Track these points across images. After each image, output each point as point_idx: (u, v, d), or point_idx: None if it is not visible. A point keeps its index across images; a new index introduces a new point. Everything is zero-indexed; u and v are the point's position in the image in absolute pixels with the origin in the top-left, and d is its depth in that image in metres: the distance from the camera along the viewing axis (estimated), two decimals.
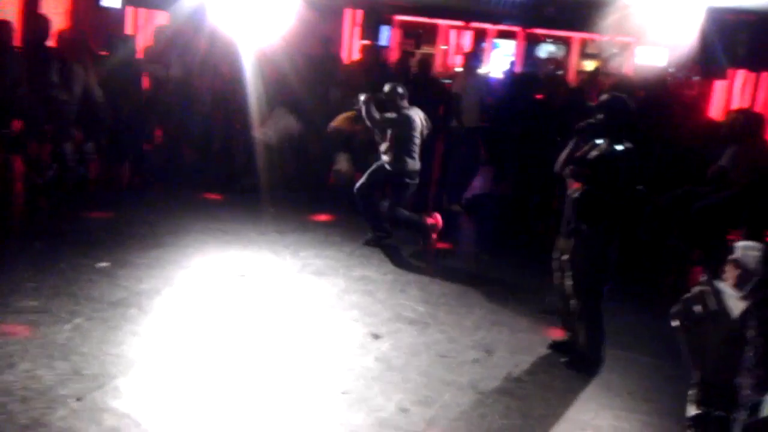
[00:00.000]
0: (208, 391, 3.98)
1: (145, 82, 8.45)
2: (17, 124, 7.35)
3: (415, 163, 6.81)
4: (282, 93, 8.37)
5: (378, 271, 6.20)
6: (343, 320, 5.11)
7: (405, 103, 6.80)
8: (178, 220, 6.92)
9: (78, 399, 3.72)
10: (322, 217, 7.77)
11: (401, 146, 6.72)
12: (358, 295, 5.61)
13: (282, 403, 3.92)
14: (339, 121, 7.67)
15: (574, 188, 4.66)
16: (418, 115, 6.85)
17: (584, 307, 4.64)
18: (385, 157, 6.79)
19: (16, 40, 7.70)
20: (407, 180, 6.82)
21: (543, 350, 4.96)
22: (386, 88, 6.80)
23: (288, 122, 8.43)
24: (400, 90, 6.76)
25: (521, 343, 5.06)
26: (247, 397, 3.95)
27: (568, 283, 4.70)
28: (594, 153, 4.57)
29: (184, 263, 5.84)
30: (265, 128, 8.27)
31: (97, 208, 7.10)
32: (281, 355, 4.50)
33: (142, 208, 7.28)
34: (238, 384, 4.08)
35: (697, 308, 3.79)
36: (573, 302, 4.69)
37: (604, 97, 4.79)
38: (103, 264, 5.57)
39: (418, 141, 6.80)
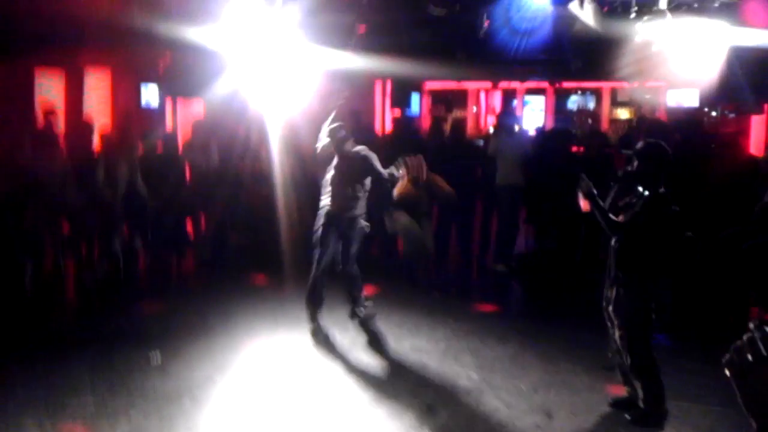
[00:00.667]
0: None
1: (188, 173, 8.68)
2: (66, 226, 7.60)
3: None
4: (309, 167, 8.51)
5: (429, 340, 6.13)
6: (398, 392, 5.04)
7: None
8: (226, 305, 6.97)
9: None
10: (369, 290, 7.75)
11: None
12: (410, 367, 5.54)
13: None
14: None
15: (618, 238, 4.60)
16: None
17: (634, 359, 4.50)
18: (359, 210, 6.34)
19: (62, 146, 8.05)
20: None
21: (605, 409, 4.80)
22: (330, 131, 6.39)
23: None
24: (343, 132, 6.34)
25: (582, 404, 4.92)
26: None
27: (616, 335, 4.58)
28: (632, 200, 4.52)
29: (235, 349, 5.86)
30: None
31: (146, 301, 7.21)
32: (333, 428, 4.44)
33: (191, 296, 7.37)
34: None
35: (749, 355, 3.64)
36: (625, 355, 4.56)
37: (639, 144, 4.76)
38: (155, 355, 5.61)
39: None
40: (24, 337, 6.13)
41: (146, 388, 5.04)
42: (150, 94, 11.59)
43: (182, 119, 11.77)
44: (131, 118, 10.25)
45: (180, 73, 11.01)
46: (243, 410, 4.77)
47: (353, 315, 6.52)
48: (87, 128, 8.58)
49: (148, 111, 11.52)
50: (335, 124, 6.43)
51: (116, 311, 6.87)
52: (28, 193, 7.21)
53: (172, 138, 8.81)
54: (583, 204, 4.62)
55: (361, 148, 6.37)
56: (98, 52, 10.20)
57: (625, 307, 4.50)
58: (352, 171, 6.27)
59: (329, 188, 6.33)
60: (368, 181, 6.37)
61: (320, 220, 6.32)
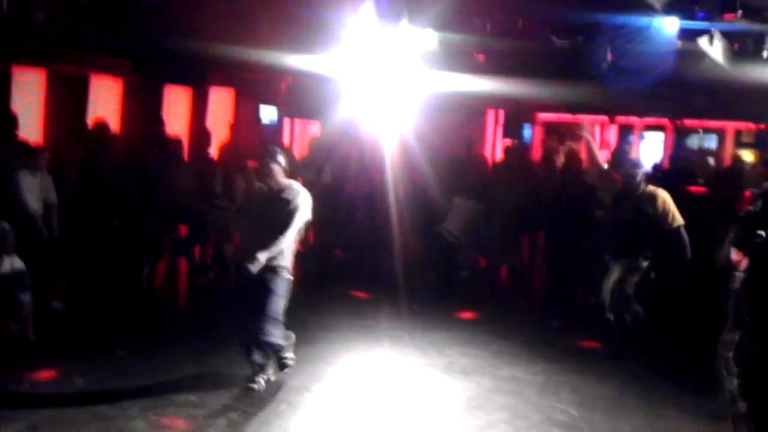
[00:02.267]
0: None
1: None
2: (184, 230, 7.98)
3: None
4: (424, 192, 8.59)
5: (528, 371, 6.00)
6: (491, 422, 4.96)
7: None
8: (326, 317, 7.09)
9: None
10: (467, 314, 7.70)
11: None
12: (506, 396, 5.44)
13: None
14: None
15: (738, 278, 4.39)
16: None
17: (753, 408, 4.25)
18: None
19: (185, 153, 8.48)
20: None
21: None
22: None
23: (470, 207, 8.62)
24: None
25: None
26: None
27: (736, 382, 4.34)
28: (756, 242, 4.31)
29: (332, 360, 5.95)
30: (446, 224, 8.51)
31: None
32: None
33: (294, 306, 7.51)
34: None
35: None
36: (740, 403, 4.31)
37: (765, 185, 4.58)
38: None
39: None
40: (136, 331, 6.46)
41: (246, 391, 5.18)
42: (269, 114, 12.08)
43: (299, 139, 12.17)
44: (250, 129, 10.69)
45: (299, 95, 11.40)
46: (334, 420, 4.82)
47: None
48: (207, 136, 9.02)
49: (267, 128, 11.99)
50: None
51: (223, 315, 7.12)
52: (152, 198, 7.63)
53: (286, 152, 9.09)
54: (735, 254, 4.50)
55: None
56: (223, 73, 10.72)
57: (747, 352, 4.27)
58: None
59: None
60: None
61: None
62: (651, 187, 6.39)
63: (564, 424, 4.99)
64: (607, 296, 6.48)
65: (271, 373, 5.26)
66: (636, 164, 6.61)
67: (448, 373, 5.88)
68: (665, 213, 6.26)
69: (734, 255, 4.51)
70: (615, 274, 6.41)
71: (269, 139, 11.37)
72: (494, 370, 5.97)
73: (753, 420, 4.26)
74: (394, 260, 8.29)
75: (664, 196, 6.32)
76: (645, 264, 6.36)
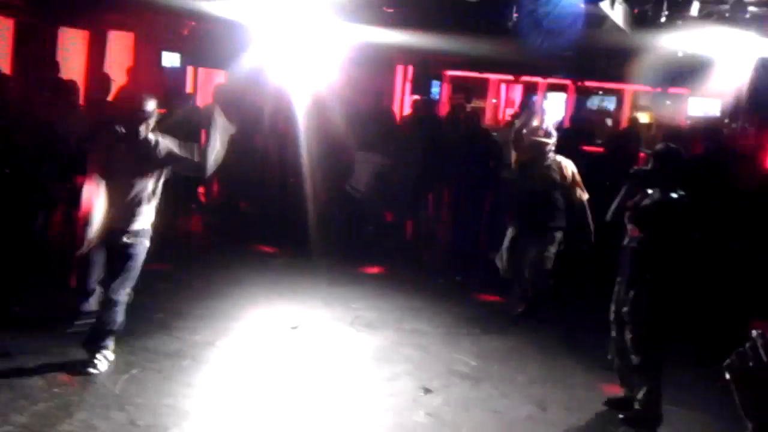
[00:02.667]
0: None
1: (203, 138, 8.70)
2: (81, 179, 7.64)
3: None
4: (334, 146, 8.54)
5: (430, 324, 6.16)
6: (395, 373, 5.08)
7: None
8: (232, 272, 7.02)
9: None
10: (373, 269, 7.79)
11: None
12: (410, 349, 5.58)
13: None
14: None
15: (632, 237, 4.61)
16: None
17: (645, 361, 4.52)
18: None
19: (81, 99, 8.09)
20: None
21: (599, 407, 4.83)
22: None
23: (372, 161, 8.62)
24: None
25: (577, 400, 4.95)
26: None
27: (628, 336, 4.60)
28: (648, 201, 4.53)
29: (238, 315, 5.91)
30: (351, 179, 8.48)
31: (155, 260, 7.24)
32: (330, 407, 4.49)
33: (199, 260, 7.41)
34: None
35: (751, 362, 3.65)
36: (633, 357, 4.57)
37: (659, 146, 4.80)
38: (159, 315, 5.67)
39: None
40: (26, 283, 6.17)
41: (148, 345, 5.10)
42: (172, 60, 11.65)
43: (203, 87, 11.82)
44: (150, 74, 10.30)
45: (203, 42, 11.04)
46: (240, 375, 4.82)
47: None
48: (105, 81, 8.63)
49: (169, 75, 11.57)
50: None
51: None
52: (46, 146, 7.26)
53: (190, 100, 8.83)
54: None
55: None
56: (122, 16, 10.25)
57: (640, 307, 4.51)
58: None
59: None
60: None
61: None
62: (559, 157, 6.36)
63: (464, 375, 5.17)
64: (505, 263, 6.50)
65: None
66: (548, 133, 6.40)
67: (354, 326, 5.96)
68: (574, 184, 6.30)
69: (627, 222, 4.68)
70: (530, 251, 6.35)
71: (171, 85, 10.98)
72: (398, 324, 6.09)
73: (643, 371, 4.53)
74: (302, 214, 8.25)
75: (572, 166, 6.34)
76: (560, 236, 6.38)
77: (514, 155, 6.57)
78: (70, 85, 8.01)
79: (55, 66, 8.91)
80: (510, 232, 6.53)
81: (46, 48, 9.87)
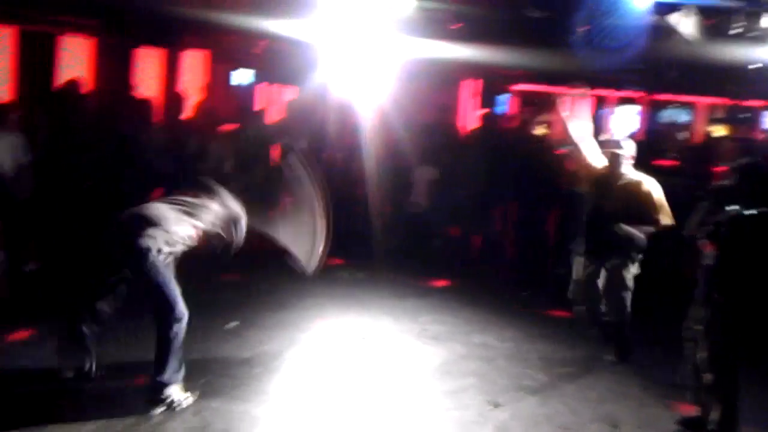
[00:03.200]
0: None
1: (274, 153, 8.90)
2: (158, 193, 7.90)
3: None
4: (398, 160, 8.62)
5: (498, 338, 6.13)
6: (462, 387, 5.06)
7: None
8: (300, 283, 7.10)
9: None
10: (440, 283, 7.79)
11: None
12: (477, 362, 5.56)
13: None
14: None
15: (708, 253, 4.49)
16: None
17: (719, 381, 4.39)
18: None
19: (156, 116, 8.40)
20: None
21: (672, 426, 4.71)
22: None
23: (429, 175, 8.70)
24: None
25: (649, 418, 4.84)
26: None
27: (703, 354, 4.48)
28: (727, 216, 4.41)
29: (306, 326, 6.01)
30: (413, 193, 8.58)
31: (227, 271, 7.43)
32: (396, 419, 4.51)
33: (268, 271, 7.55)
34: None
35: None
36: (707, 376, 4.45)
37: (742, 160, 4.66)
38: (232, 325, 5.82)
39: None
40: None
41: (222, 353, 5.24)
42: (243, 78, 11.96)
43: (274, 104, 12.07)
44: (222, 92, 10.60)
45: (275, 60, 11.30)
46: (309, 383, 4.91)
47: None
48: (180, 105, 8.93)
49: (240, 92, 11.88)
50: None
51: (199, 278, 7.10)
52: (123, 162, 7.55)
53: (260, 116, 9.06)
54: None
55: None
56: (197, 36, 10.57)
57: (715, 325, 4.39)
58: None
59: None
60: None
61: None
62: (639, 174, 5.61)
63: (533, 390, 5.12)
64: (578, 295, 5.82)
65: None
66: (618, 144, 5.71)
67: (420, 339, 5.97)
68: (654, 207, 5.52)
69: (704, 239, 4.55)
70: (601, 277, 5.69)
71: (243, 103, 11.27)
72: (465, 337, 6.08)
73: (718, 390, 4.40)
74: (369, 228, 8.33)
75: (653, 186, 5.58)
76: (640, 257, 5.65)
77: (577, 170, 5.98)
78: (145, 103, 8.34)
79: (130, 85, 9.25)
80: (579, 261, 5.82)
81: (124, 66, 10.27)
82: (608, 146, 5.76)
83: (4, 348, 5.02)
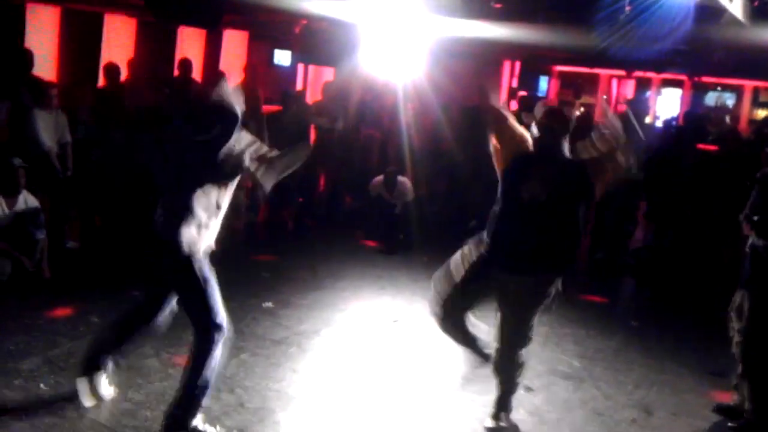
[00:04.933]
0: (360, 429, 4.08)
1: (312, 134, 8.95)
2: None
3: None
4: (435, 142, 8.59)
5: None
6: None
7: None
8: (336, 264, 7.20)
9: (241, 431, 3.94)
10: None
11: None
12: None
13: None
14: None
15: (753, 239, 4.42)
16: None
17: (752, 369, 4.33)
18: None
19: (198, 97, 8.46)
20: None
21: (708, 413, 4.66)
22: None
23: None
24: None
25: (684, 405, 4.80)
26: None
27: (737, 340, 4.42)
28: None
29: (342, 306, 6.07)
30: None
31: (263, 251, 7.53)
32: (431, 401, 4.54)
33: (304, 251, 7.64)
34: (388, 424, 4.15)
35: None
36: (739, 364, 4.40)
37: None
38: (268, 304, 5.91)
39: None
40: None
41: (257, 332, 5.32)
42: (283, 58, 11.99)
43: (312, 84, 12.11)
44: (263, 72, 10.64)
45: (313, 40, 11.29)
46: (343, 363, 4.96)
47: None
48: (220, 78, 8.97)
49: (280, 72, 11.93)
50: None
51: (234, 259, 7.22)
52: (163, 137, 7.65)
53: (300, 97, 9.08)
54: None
55: None
56: (238, 15, 10.62)
57: (752, 313, 4.32)
58: None
59: None
60: None
61: None
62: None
63: (567, 375, 5.11)
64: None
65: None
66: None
67: None
68: None
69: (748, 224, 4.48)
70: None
71: (283, 82, 11.33)
72: None
73: (751, 379, 4.35)
74: (405, 210, 8.34)
75: None
76: None
77: None
78: (188, 82, 8.42)
79: (171, 65, 9.34)
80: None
81: (166, 46, 10.38)
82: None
83: (43, 325, 5.15)
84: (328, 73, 11.56)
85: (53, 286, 5.88)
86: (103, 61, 8.98)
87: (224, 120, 3.73)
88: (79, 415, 3.92)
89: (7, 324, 4.96)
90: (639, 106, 9.55)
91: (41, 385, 4.21)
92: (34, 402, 4.01)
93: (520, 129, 4.13)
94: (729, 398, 4.67)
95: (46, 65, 8.58)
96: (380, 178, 8.34)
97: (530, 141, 4.00)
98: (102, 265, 6.61)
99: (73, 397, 4.06)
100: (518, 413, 4.44)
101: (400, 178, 8.28)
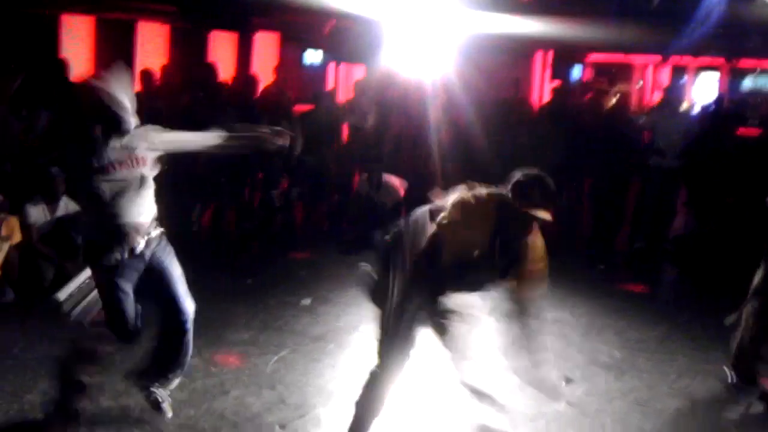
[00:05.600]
0: (401, 423, 4.09)
1: (345, 132, 8.98)
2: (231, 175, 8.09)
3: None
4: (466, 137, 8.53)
5: (572, 314, 6.05)
6: (535, 363, 5.02)
7: None
8: (373, 261, 7.18)
9: (282, 426, 3.98)
10: None
11: None
12: (550, 338, 5.49)
13: None
14: None
15: None
16: None
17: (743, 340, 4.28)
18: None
19: (231, 99, 8.56)
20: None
21: (755, 401, 4.57)
22: None
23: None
24: None
25: (729, 393, 4.70)
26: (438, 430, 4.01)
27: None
28: None
29: None
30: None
31: (300, 249, 7.58)
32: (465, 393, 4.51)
33: (337, 249, 7.66)
34: (426, 418, 4.15)
35: None
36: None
37: None
38: (306, 301, 5.94)
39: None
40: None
41: (296, 329, 5.36)
42: (313, 58, 12.07)
43: (344, 83, 12.15)
44: (294, 72, 10.71)
45: (343, 39, 11.34)
46: None
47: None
48: (253, 87, 9.07)
49: (311, 72, 12.01)
50: None
51: (272, 257, 7.32)
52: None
53: (331, 96, 9.11)
54: None
55: None
56: (268, 17, 10.72)
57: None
58: None
59: None
60: None
61: None
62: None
63: (608, 366, 5.05)
64: None
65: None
66: None
67: (492, 315, 5.93)
68: None
69: None
70: None
71: (314, 83, 11.39)
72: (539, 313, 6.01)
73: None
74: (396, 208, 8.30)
75: None
76: None
77: None
78: (219, 85, 8.51)
79: (210, 68, 9.43)
80: None
81: (198, 50, 10.52)
82: None
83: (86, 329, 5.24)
84: (359, 72, 11.58)
85: None
86: (137, 68, 9.12)
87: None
88: (123, 414, 3.99)
89: (49, 328, 5.06)
90: (675, 93, 9.38)
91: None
92: (78, 401, 4.06)
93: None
94: None
95: (81, 74, 8.74)
96: (365, 176, 8.15)
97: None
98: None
99: (117, 396, 4.13)
100: (559, 404, 4.40)
101: (386, 176, 8.18)
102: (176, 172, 7.19)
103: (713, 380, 4.90)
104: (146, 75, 8.37)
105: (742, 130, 8.47)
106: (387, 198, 8.13)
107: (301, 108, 8.71)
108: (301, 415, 4.10)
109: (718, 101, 11.12)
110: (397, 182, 8.19)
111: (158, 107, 7.87)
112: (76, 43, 9.25)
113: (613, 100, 9.61)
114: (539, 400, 4.42)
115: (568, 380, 4.75)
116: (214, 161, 7.69)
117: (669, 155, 8.04)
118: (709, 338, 5.63)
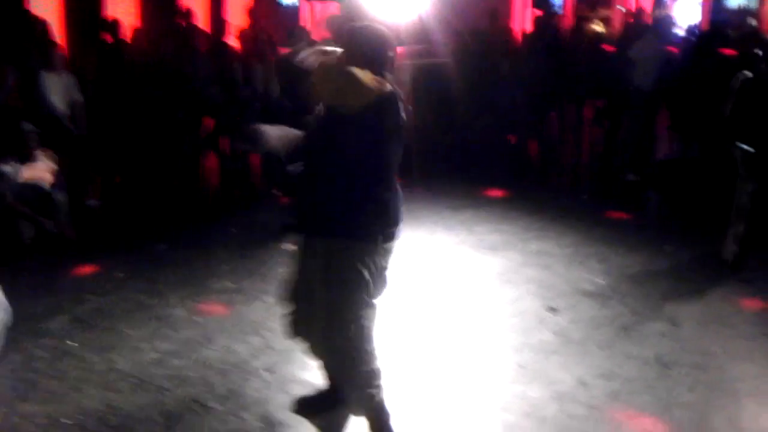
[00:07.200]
0: (386, 362, 4.10)
1: None
2: (209, 122, 7.97)
3: None
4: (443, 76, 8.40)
5: (556, 245, 6.06)
6: (520, 294, 5.05)
7: None
8: None
9: (270, 371, 3.99)
10: (496, 192, 7.71)
11: None
12: (535, 269, 5.52)
13: (459, 377, 3.95)
14: None
15: None
16: None
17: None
18: None
19: (203, 44, 8.37)
20: None
21: (738, 322, 4.62)
22: None
23: None
24: None
25: (713, 315, 4.75)
26: (425, 368, 4.03)
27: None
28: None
29: None
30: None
31: (285, 194, 7.51)
32: (457, 328, 4.54)
33: None
34: (417, 356, 4.17)
35: None
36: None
37: None
38: (288, 246, 5.90)
39: None
40: (169, 223, 6.63)
41: (280, 274, 5.32)
42: None
43: (318, 19, 11.87)
44: (268, 13, 10.45)
45: None
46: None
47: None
48: (225, 24, 8.86)
49: (286, 12, 11.72)
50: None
51: (254, 202, 7.26)
52: (174, 91, 7.60)
53: (307, 35, 8.89)
54: None
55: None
56: None
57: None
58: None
59: None
60: None
61: None
62: None
63: (592, 294, 5.07)
64: None
65: None
66: None
67: (478, 250, 5.96)
68: None
69: None
70: None
71: (288, 21, 11.14)
72: (523, 245, 6.03)
73: None
74: (418, 142, 8.23)
75: None
76: None
77: None
78: (192, 30, 8.31)
79: (183, 14, 9.18)
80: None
81: None
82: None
83: (69, 284, 5.23)
84: (334, 10, 11.30)
85: (77, 246, 5.94)
86: (104, 18, 8.89)
87: None
88: (108, 368, 3.99)
89: (34, 285, 5.05)
90: (665, 18, 9.19)
91: (69, 342, 4.28)
92: (64, 359, 4.09)
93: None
94: (762, 305, 4.60)
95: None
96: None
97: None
98: (124, 221, 6.67)
99: (102, 351, 4.14)
100: (544, 334, 4.44)
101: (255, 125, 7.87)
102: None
103: (697, 301, 4.94)
104: (109, 24, 8.15)
105: (725, 50, 8.32)
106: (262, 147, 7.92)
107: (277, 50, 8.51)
108: (286, 359, 4.10)
109: (694, 29, 10.91)
110: (269, 130, 7.96)
111: (125, 57, 7.72)
112: None
113: (597, 28, 9.43)
114: (523, 330, 4.46)
115: (553, 310, 4.77)
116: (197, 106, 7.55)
117: (643, 79, 7.93)
118: (692, 261, 5.67)
